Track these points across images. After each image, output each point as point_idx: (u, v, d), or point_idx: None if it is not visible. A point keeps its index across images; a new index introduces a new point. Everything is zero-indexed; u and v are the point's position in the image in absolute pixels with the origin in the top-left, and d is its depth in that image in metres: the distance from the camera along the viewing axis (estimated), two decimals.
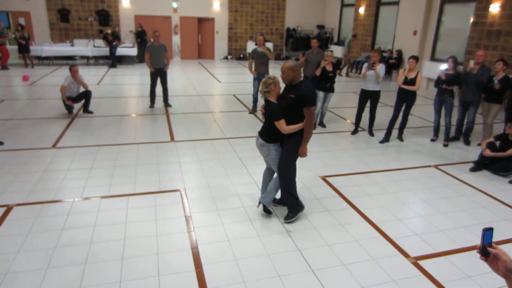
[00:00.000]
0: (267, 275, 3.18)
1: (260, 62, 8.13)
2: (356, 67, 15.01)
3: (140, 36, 15.24)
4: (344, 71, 14.64)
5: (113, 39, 14.39)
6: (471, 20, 10.60)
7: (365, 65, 6.80)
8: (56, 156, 5.62)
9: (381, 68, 6.64)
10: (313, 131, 7.11)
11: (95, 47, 14.90)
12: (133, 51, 15.20)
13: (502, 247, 1.40)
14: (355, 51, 15.37)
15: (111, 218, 3.96)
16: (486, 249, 1.39)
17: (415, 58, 6.48)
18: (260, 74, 8.20)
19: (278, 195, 4.21)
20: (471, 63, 7.31)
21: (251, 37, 18.37)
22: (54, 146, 6.03)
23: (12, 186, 4.59)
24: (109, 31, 14.65)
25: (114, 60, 14.53)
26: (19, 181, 4.75)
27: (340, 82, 12.98)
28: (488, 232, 1.40)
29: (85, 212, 4.07)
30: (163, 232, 3.74)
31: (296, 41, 18.03)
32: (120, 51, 15.01)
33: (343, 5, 17.57)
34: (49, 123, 7.21)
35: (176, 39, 17.65)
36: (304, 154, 3.83)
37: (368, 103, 7.01)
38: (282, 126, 3.73)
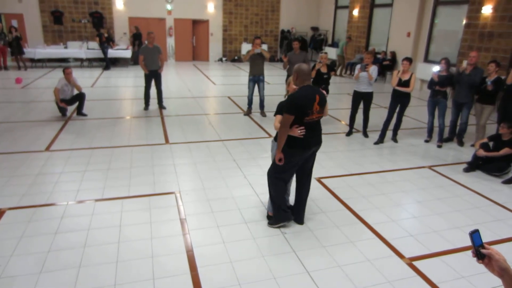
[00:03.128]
0: (262, 277, 3.17)
1: (256, 64, 8.15)
2: (350, 69, 15.08)
3: (138, 39, 15.18)
4: (338, 71, 14.82)
5: (105, 41, 14.34)
6: (464, 22, 10.68)
7: (358, 66, 6.83)
8: (50, 159, 5.58)
9: (373, 69, 6.67)
10: None
11: (89, 49, 14.84)
12: (127, 53, 15.15)
13: (497, 247, 1.41)
14: (349, 52, 15.44)
15: (105, 221, 3.94)
16: (480, 252, 1.39)
17: (409, 60, 6.52)
18: (255, 75, 8.21)
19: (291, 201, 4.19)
20: (464, 63, 7.37)
21: (245, 39, 18.39)
22: (47, 149, 5.99)
23: (5, 190, 4.55)
24: (105, 33, 14.61)
25: (107, 62, 14.47)
26: (12, 184, 4.71)
27: (335, 83, 13.03)
28: (475, 234, 1.40)
29: (79, 215, 4.04)
30: (157, 235, 3.72)
31: (291, 43, 18.04)
32: (114, 53, 14.97)
33: (337, 7, 17.64)
34: (42, 126, 7.16)
35: (170, 41, 17.63)
36: (277, 161, 3.67)
37: (361, 105, 7.04)
38: (276, 121, 3.79)
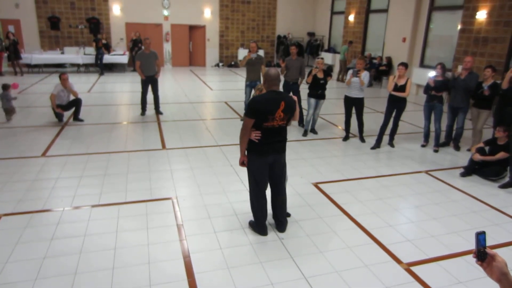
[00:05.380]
0: (259, 283, 3.16)
1: (252, 69, 8.16)
2: (346, 74, 15.21)
3: (136, 45, 15.20)
4: (340, 76, 15.06)
5: (101, 46, 14.36)
6: (459, 27, 10.77)
7: (350, 71, 6.87)
8: (46, 165, 5.55)
9: (365, 75, 6.71)
10: (305, 138, 7.27)
11: (86, 54, 14.84)
12: (124, 59, 15.16)
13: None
14: (349, 57, 15.53)
15: (101, 227, 3.92)
16: (482, 253, 1.39)
17: (405, 65, 6.56)
18: (252, 81, 8.23)
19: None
20: (459, 68, 7.42)
21: (242, 44, 18.46)
22: (43, 154, 5.97)
23: (1, 196, 4.52)
24: (104, 41, 14.64)
25: (101, 67, 14.52)
26: (8, 190, 4.68)
27: (332, 88, 13.08)
28: (481, 235, 1.40)
29: (75, 221, 4.01)
30: (154, 241, 3.70)
31: (287, 48, 18.12)
32: (111, 58, 14.99)
33: (333, 13, 17.75)
34: (38, 132, 7.14)
35: (167, 47, 17.65)
36: (240, 164, 3.76)
37: (354, 110, 7.07)
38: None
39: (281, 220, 3.97)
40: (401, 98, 6.62)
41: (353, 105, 6.98)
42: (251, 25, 18.51)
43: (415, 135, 7.75)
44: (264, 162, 3.71)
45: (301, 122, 8.05)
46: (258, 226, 3.89)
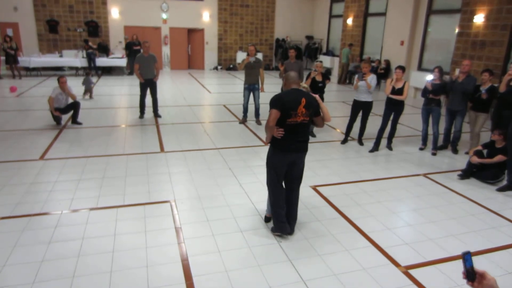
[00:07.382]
0: (258, 286, 3.15)
1: (251, 72, 8.18)
2: (346, 77, 15.26)
3: (128, 48, 15.19)
4: (340, 79, 15.27)
5: (89, 48, 14.38)
6: (456, 30, 10.81)
7: (356, 76, 6.88)
8: (44, 168, 5.55)
9: (372, 78, 6.70)
10: None
11: (84, 58, 14.84)
12: (122, 62, 15.17)
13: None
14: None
15: (99, 230, 3.91)
16: (471, 273, 1.40)
17: (402, 68, 6.58)
18: (251, 84, 8.24)
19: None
20: (457, 71, 7.45)
21: (240, 47, 18.50)
22: (41, 158, 5.96)
23: None
24: (91, 44, 14.66)
25: (90, 69, 14.60)
26: (6, 193, 4.67)
27: (331, 92, 13.10)
28: (467, 255, 1.41)
29: (73, 224, 4.01)
30: (153, 244, 3.70)
31: (286, 52, 18.18)
32: (109, 61, 14.99)
33: (331, 16, 17.81)
34: (36, 135, 7.13)
35: (166, 50, 17.68)
36: (265, 143, 3.85)
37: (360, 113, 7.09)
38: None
39: (291, 222, 3.98)
40: (398, 101, 6.64)
41: (361, 108, 6.99)
42: (250, 28, 18.55)
43: (413, 138, 7.77)
44: (285, 159, 3.76)
45: None
46: (278, 222, 3.86)
